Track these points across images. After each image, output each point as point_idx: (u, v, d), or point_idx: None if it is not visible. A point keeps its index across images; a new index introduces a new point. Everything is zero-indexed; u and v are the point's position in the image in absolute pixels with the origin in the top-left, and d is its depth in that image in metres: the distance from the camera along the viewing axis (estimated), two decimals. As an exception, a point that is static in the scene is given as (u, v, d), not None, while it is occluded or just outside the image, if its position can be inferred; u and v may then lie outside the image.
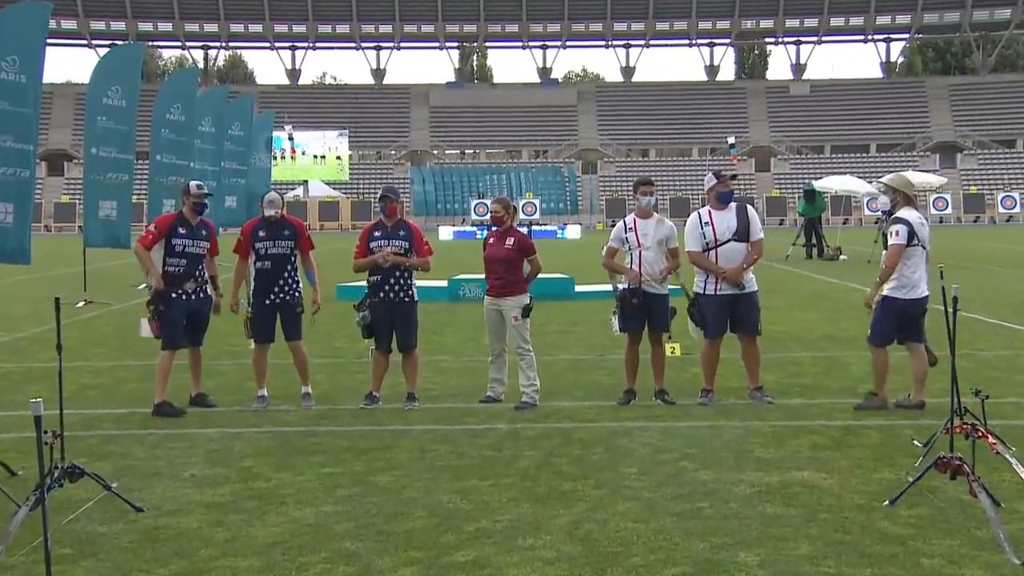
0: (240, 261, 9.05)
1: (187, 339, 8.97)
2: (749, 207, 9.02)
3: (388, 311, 8.85)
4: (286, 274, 8.89)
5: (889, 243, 8.57)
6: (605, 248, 9.04)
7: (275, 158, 48.11)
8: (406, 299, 8.90)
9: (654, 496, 6.08)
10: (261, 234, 8.93)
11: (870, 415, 8.27)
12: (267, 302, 8.87)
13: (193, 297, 8.90)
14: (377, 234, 8.89)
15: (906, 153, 75.94)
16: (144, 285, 9.04)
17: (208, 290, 8.99)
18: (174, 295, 8.84)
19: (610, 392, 9.29)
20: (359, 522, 5.68)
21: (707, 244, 8.78)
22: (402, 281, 8.89)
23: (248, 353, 11.61)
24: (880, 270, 8.67)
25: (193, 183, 9.19)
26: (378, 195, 9.09)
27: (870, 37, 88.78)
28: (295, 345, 9.02)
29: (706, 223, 8.82)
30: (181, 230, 8.91)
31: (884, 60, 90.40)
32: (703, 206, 9.08)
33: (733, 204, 8.88)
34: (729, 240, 8.73)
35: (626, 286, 8.85)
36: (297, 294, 8.93)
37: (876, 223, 29.59)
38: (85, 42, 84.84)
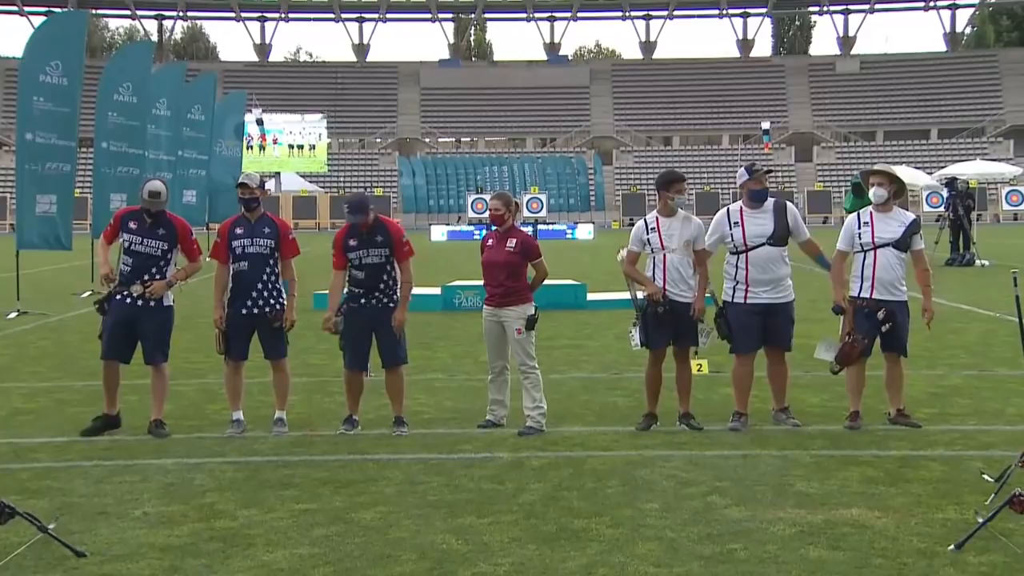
0: (220, 267, 9.04)
1: (131, 353, 8.97)
2: (790, 206, 9.06)
3: (367, 321, 8.86)
4: (265, 277, 8.89)
5: (919, 248, 8.90)
6: (624, 252, 9.04)
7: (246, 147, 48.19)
8: (391, 305, 8.92)
9: (679, 536, 6.08)
10: (238, 231, 8.94)
11: (931, 444, 8.27)
12: (243, 311, 8.87)
13: (140, 303, 8.84)
14: (352, 243, 8.88)
15: (974, 139, 75.93)
16: (88, 292, 9.04)
17: (164, 298, 8.94)
18: (117, 296, 8.86)
19: (628, 416, 9.30)
20: (339, 566, 5.68)
21: (736, 247, 8.81)
22: (387, 288, 8.90)
23: (209, 371, 11.67)
24: (927, 276, 8.97)
25: (146, 188, 8.96)
26: (345, 208, 9.07)
27: (932, 4, 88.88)
28: (277, 364, 9.04)
29: (735, 223, 8.85)
30: (131, 224, 8.91)
31: (948, 31, 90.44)
32: (734, 201, 9.13)
33: (770, 203, 8.93)
34: (763, 244, 8.76)
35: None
36: (278, 306, 8.93)
37: (937, 220, 29.65)
38: (15, 8, 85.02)
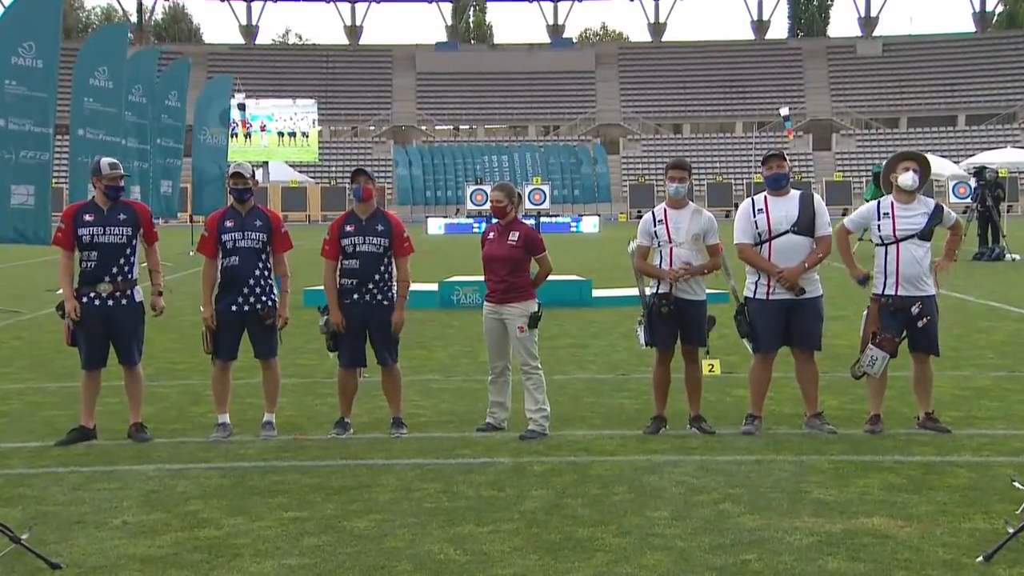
0: (208, 262, 9.04)
1: (107, 356, 8.94)
2: (816, 197, 9.06)
3: (361, 317, 8.90)
4: (257, 273, 8.89)
5: (952, 223, 8.99)
6: (634, 246, 9.06)
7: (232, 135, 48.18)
8: (384, 302, 8.96)
9: (689, 546, 6.09)
10: (228, 224, 8.93)
11: (957, 449, 8.28)
12: (233, 308, 8.88)
13: (111, 303, 8.75)
14: (350, 229, 8.94)
15: (1004, 126, 75.87)
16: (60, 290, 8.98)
17: (136, 294, 8.89)
18: (85, 299, 8.73)
19: (635, 419, 9.32)
20: (329, 578, 5.71)
21: (760, 236, 8.80)
22: (381, 283, 8.93)
23: (193, 372, 11.70)
24: (957, 241, 9.09)
25: (105, 161, 8.98)
26: (351, 174, 9.15)
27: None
28: (268, 364, 9.06)
29: (760, 210, 8.85)
30: (87, 217, 8.77)
31: (977, 10, 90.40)
32: (757, 192, 9.13)
33: (796, 192, 8.94)
34: (786, 232, 8.75)
35: (655, 290, 8.87)
36: (270, 302, 8.94)
37: (964, 212, 29.66)
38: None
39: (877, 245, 8.80)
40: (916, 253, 8.67)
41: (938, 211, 8.80)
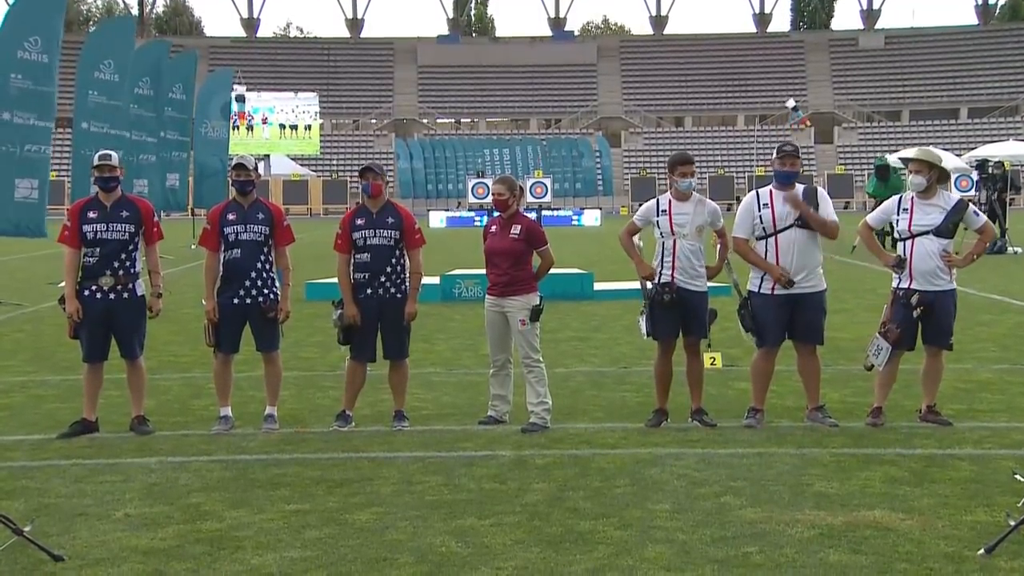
0: (210, 255, 9.04)
1: (108, 349, 8.95)
2: (821, 191, 9.08)
3: (375, 311, 8.91)
4: (259, 265, 8.89)
5: (978, 225, 8.91)
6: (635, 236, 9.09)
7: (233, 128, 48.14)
8: (399, 295, 8.96)
9: (690, 539, 6.10)
10: (230, 217, 8.93)
11: (959, 442, 8.29)
12: (235, 301, 8.88)
13: (112, 296, 8.77)
14: (360, 222, 8.95)
15: (1007, 119, 75.80)
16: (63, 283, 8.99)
17: (137, 287, 8.90)
18: (86, 292, 8.76)
19: (637, 412, 9.32)
20: (332, 570, 5.71)
21: (765, 230, 8.80)
22: (394, 276, 8.93)
23: (194, 365, 11.71)
24: (981, 246, 8.97)
25: (97, 154, 9.05)
26: (359, 171, 9.16)
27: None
28: (269, 357, 9.07)
29: (765, 205, 8.85)
30: (91, 214, 8.79)
31: (980, 2, 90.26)
32: (749, 186, 9.16)
33: (800, 186, 8.94)
34: (791, 226, 8.75)
35: (657, 280, 8.87)
36: (272, 295, 8.95)
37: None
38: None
39: (896, 240, 8.85)
40: (930, 248, 8.66)
41: (959, 207, 8.79)
